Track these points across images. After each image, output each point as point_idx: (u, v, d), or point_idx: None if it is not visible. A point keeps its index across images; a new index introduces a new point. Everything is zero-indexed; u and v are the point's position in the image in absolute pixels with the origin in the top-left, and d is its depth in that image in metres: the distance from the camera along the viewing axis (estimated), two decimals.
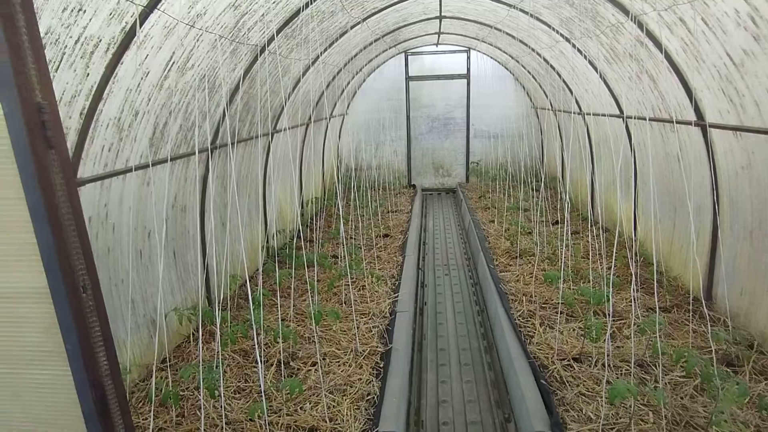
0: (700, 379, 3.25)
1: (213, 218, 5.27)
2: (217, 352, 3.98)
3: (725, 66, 3.61)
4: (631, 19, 4.27)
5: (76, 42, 2.50)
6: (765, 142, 3.51)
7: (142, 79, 3.16)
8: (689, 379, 3.55)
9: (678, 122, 4.68)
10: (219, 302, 4.59)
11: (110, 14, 2.53)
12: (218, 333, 3.63)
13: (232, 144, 5.51)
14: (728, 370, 3.62)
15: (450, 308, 5.89)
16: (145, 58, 3.03)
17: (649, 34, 4.24)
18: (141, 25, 2.69)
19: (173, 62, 3.42)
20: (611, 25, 4.85)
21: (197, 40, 3.52)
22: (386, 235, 7.96)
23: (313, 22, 5.17)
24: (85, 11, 2.41)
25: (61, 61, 2.48)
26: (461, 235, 8.85)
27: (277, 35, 4.69)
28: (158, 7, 2.72)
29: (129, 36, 2.71)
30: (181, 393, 3.77)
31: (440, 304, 6.01)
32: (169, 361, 4.30)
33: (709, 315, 4.42)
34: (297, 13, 4.45)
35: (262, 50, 4.50)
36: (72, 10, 2.36)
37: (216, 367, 3.77)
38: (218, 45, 3.85)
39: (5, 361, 1.19)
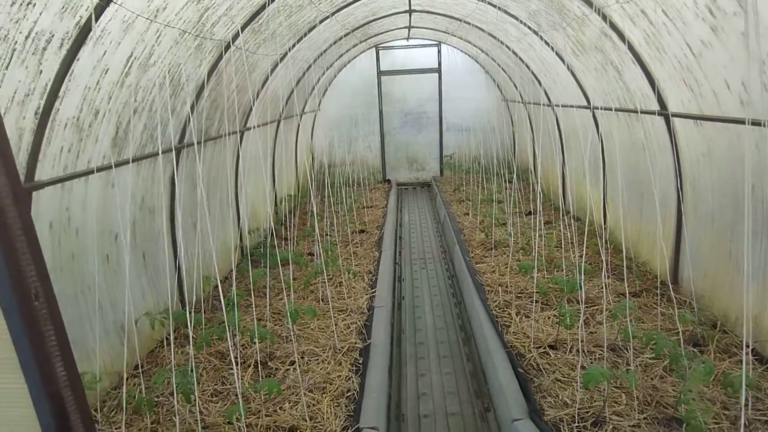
0: (669, 360, 3.35)
1: (183, 219, 5.13)
2: (191, 356, 3.89)
3: (685, 56, 3.71)
4: (596, 11, 4.35)
5: (26, 38, 2.38)
6: (723, 131, 3.63)
7: (101, 76, 3.03)
8: (658, 361, 3.66)
9: (642, 112, 4.81)
10: (192, 304, 4.49)
11: (62, 8, 2.41)
12: (191, 336, 3.54)
13: (200, 143, 5.38)
14: (695, 350, 3.75)
15: (428, 301, 5.92)
16: (104, 54, 2.90)
17: (613, 26, 4.33)
18: (97, 20, 2.58)
19: (134, 58, 3.30)
20: (577, 17, 4.93)
21: (159, 36, 3.40)
22: (362, 231, 7.94)
23: (281, 17, 5.08)
24: (34, 5, 2.29)
25: (11, 58, 2.35)
26: (437, 228, 8.90)
27: (243, 30, 4.59)
28: (114, 0, 2.61)
29: (84, 31, 2.59)
30: (156, 399, 3.67)
31: (418, 298, 6.04)
32: (142, 368, 4.18)
33: (676, 298, 4.57)
34: (263, 7, 4.35)
35: (228, 46, 4.40)
36: (21, 4, 2.24)
37: (191, 371, 3.69)
38: (181, 41, 3.73)
39: None
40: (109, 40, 2.89)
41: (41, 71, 2.51)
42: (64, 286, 3.36)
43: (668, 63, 4.02)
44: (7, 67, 2.32)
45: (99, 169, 3.24)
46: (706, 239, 4.26)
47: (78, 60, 2.70)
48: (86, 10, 2.52)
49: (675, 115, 4.24)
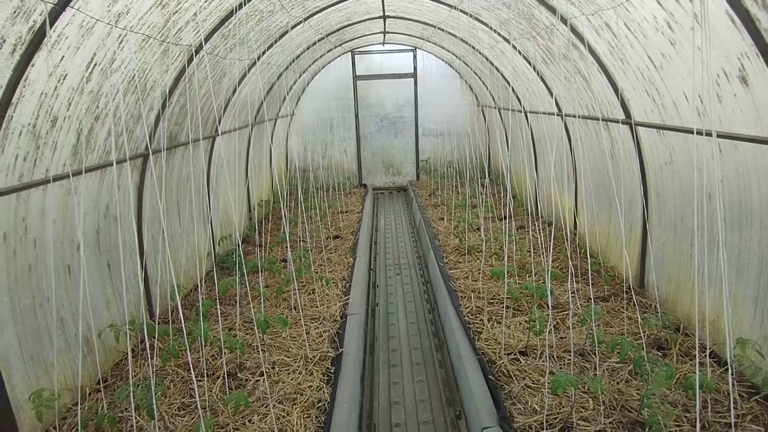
0: (634, 364, 3.42)
1: (151, 227, 5.01)
2: (152, 369, 3.79)
3: (647, 68, 3.82)
4: (563, 22, 4.44)
5: None
6: (683, 140, 3.75)
7: (59, 82, 2.93)
8: (624, 365, 3.74)
9: (607, 120, 4.92)
10: (161, 315, 4.37)
11: (14, 12, 2.32)
12: (155, 347, 3.45)
13: (170, 149, 5.26)
14: (658, 353, 3.85)
15: (402, 308, 5.92)
16: (61, 59, 2.81)
17: (580, 37, 4.42)
18: (52, 25, 2.49)
19: (95, 64, 3.20)
20: (546, 27, 5.02)
21: (121, 41, 3.31)
22: (337, 237, 7.89)
23: (251, 22, 5.01)
24: None
25: None
26: (412, 233, 8.92)
27: (212, 35, 4.51)
28: (71, 4, 2.52)
29: (39, 36, 2.50)
30: (120, 415, 3.56)
31: (392, 305, 6.03)
32: (107, 381, 4.05)
33: (641, 302, 4.68)
34: (232, 12, 4.29)
35: (198, 51, 4.31)
36: None
37: (154, 386, 3.59)
38: (146, 46, 3.64)
39: None
40: (67, 46, 2.80)
41: None
42: (21, 298, 3.23)
43: (631, 74, 4.13)
44: None
45: (56, 178, 3.13)
46: (669, 245, 4.38)
47: (33, 66, 2.60)
48: (40, 15, 2.43)
49: (638, 124, 4.35)
